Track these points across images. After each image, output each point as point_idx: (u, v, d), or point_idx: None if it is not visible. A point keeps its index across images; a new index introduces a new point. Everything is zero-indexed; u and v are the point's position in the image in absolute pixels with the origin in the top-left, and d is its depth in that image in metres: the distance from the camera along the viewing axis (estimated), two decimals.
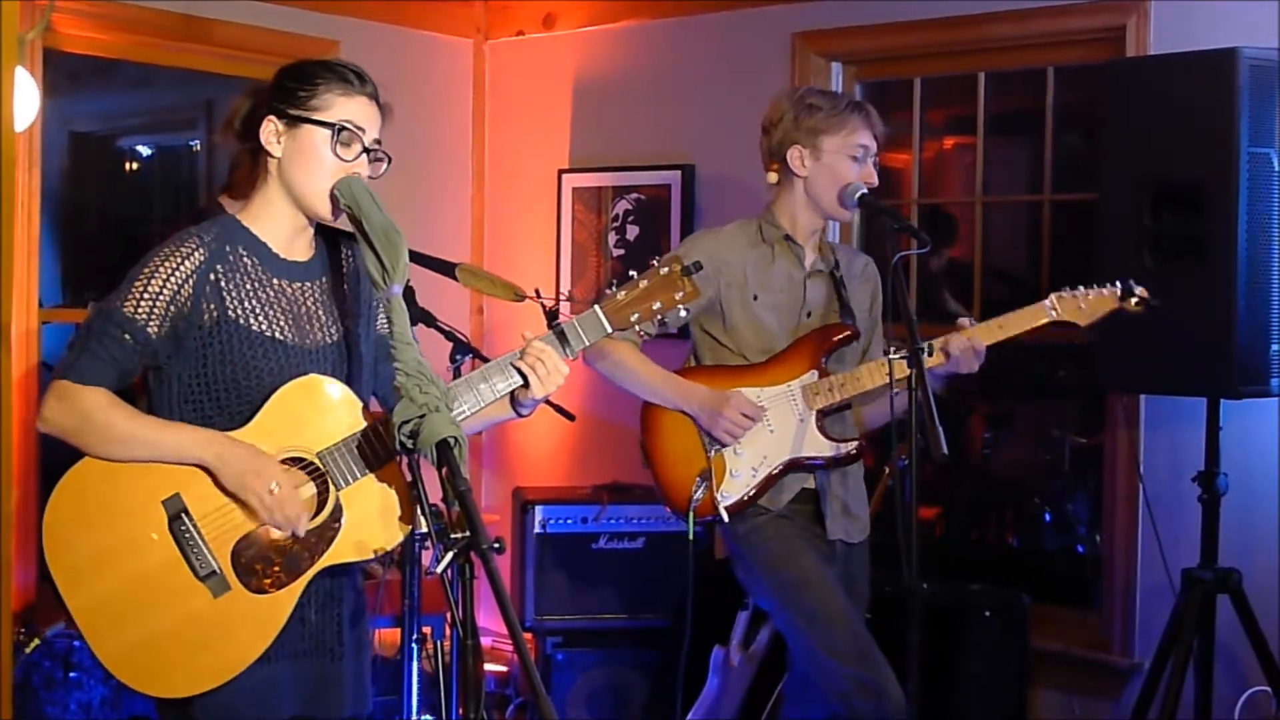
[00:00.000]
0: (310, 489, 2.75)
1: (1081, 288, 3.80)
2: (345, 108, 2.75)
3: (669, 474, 3.97)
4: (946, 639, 4.48)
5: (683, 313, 2.87)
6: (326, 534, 2.73)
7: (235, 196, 4.23)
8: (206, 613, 2.70)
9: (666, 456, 3.97)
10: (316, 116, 2.74)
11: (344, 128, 2.74)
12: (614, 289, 2.83)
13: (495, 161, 6.45)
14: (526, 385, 2.78)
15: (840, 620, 3.83)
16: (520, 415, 2.91)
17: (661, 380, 3.95)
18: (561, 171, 6.16)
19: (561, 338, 2.79)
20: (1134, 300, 3.77)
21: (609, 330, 2.81)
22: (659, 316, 2.83)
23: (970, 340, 3.77)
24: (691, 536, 3.88)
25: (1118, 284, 3.78)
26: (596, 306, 2.81)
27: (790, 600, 3.91)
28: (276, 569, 2.72)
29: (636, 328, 2.86)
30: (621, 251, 5.97)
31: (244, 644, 2.71)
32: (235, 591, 2.71)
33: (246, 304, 2.76)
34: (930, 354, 3.72)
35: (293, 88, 2.77)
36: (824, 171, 3.92)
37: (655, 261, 2.87)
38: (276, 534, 2.72)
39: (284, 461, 2.73)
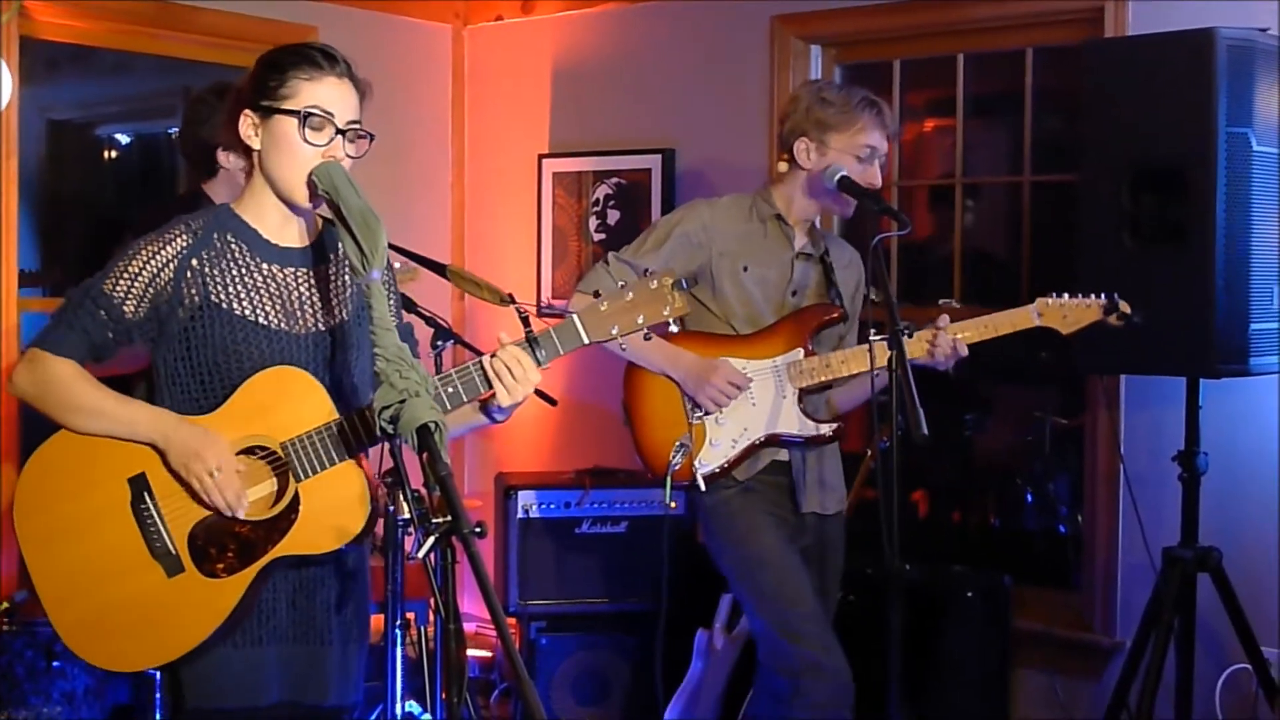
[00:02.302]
0: (270, 480, 2.76)
1: (1066, 295, 3.87)
2: (313, 92, 2.75)
3: (649, 437, 3.99)
4: (929, 620, 4.49)
5: (672, 327, 2.86)
6: (282, 524, 2.74)
7: (206, 185, 4.20)
8: (158, 592, 2.74)
9: (648, 420, 3.99)
10: (284, 105, 2.75)
11: (310, 113, 2.74)
12: (599, 298, 2.80)
13: (475, 147, 6.44)
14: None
15: (795, 600, 3.88)
16: (494, 421, 2.88)
17: (649, 345, 3.95)
18: (542, 156, 6.15)
19: (534, 345, 2.76)
20: (1115, 316, 3.85)
21: (586, 341, 2.78)
22: (643, 330, 2.80)
23: (955, 341, 3.80)
24: (669, 500, 3.90)
25: (1102, 297, 3.84)
26: (575, 316, 2.78)
27: (748, 576, 3.95)
28: (230, 555, 2.74)
29: (619, 341, 2.82)
30: (602, 236, 5.96)
31: (191, 626, 2.74)
32: (188, 573, 2.74)
33: (231, 289, 2.78)
34: (910, 336, 3.74)
35: (263, 79, 2.79)
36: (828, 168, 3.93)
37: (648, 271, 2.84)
38: (233, 519, 2.73)
39: (246, 450, 2.75)
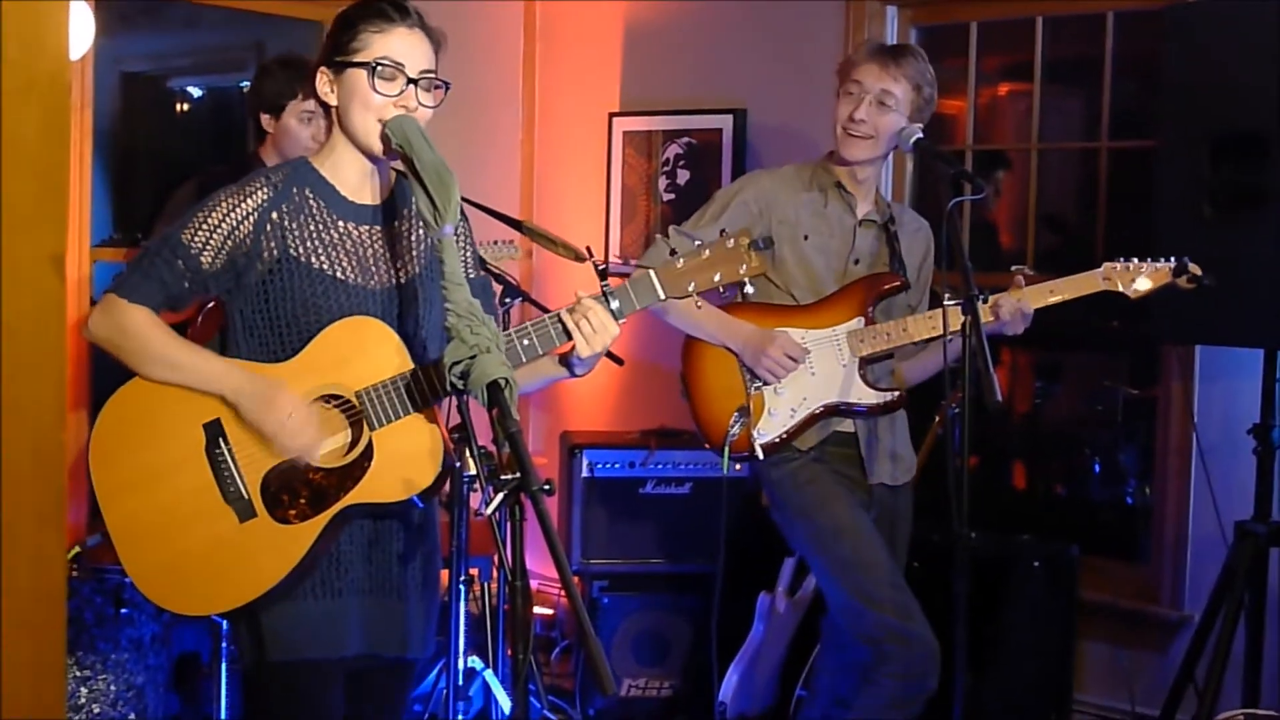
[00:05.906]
0: (345, 430, 2.78)
1: (1135, 260, 3.81)
2: (383, 43, 2.77)
3: (708, 408, 3.98)
4: (994, 589, 4.47)
5: (748, 288, 2.84)
6: (355, 472, 2.76)
7: (260, 149, 4.27)
8: (230, 537, 2.77)
9: (706, 391, 3.98)
10: (356, 58, 2.78)
11: (379, 64, 2.75)
12: (675, 255, 2.81)
13: (545, 104, 6.42)
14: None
15: (874, 567, 3.85)
16: (574, 374, 2.88)
17: (706, 315, 3.94)
18: (612, 115, 6.12)
19: (609, 299, 2.76)
20: (1185, 278, 3.79)
21: (662, 296, 2.77)
22: (720, 288, 2.80)
23: (1020, 303, 3.76)
24: (726, 470, 3.90)
25: (1172, 260, 3.79)
26: (652, 271, 2.78)
27: (824, 546, 3.92)
28: (303, 501, 2.76)
29: (694, 298, 2.82)
30: (672, 196, 5.94)
31: (263, 571, 2.76)
32: (260, 519, 2.77)
33: (309, 243, 2.81)
34: (985, 301, 3.71)
35: (336, 35, 2.83)
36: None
37: (724, 231, 2.83)
38: (306, 466, 2.75)
39: (321, 398, 2.77)
